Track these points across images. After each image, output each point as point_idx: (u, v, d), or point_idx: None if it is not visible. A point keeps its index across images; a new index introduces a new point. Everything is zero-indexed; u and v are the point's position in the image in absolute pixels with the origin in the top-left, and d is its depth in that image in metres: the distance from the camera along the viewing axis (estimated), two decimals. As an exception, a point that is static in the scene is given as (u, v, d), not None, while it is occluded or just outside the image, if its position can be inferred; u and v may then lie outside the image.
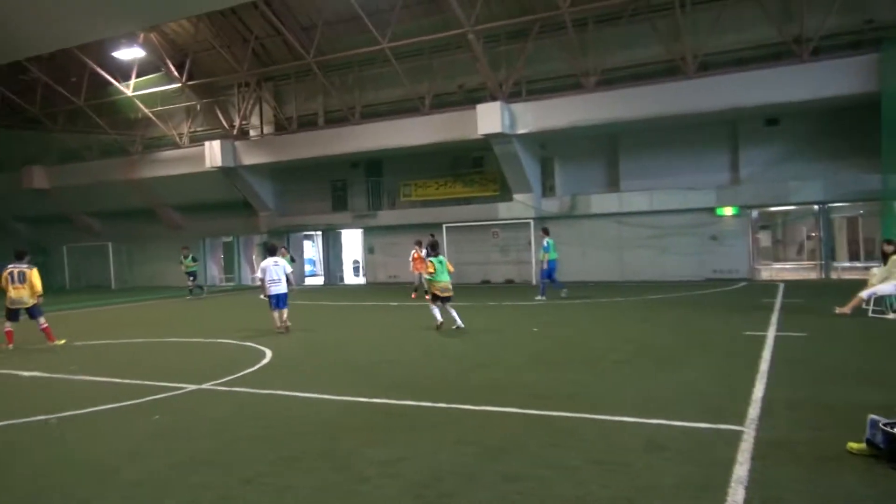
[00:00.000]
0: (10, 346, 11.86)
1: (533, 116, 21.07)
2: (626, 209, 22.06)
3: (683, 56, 19.39)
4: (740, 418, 5.67)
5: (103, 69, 26.13)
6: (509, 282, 24.31)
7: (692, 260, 21.38)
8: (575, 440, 5.33)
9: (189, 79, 26.20)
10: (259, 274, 12.98)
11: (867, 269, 14.66)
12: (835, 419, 5.56)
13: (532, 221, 23.02)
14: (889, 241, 11.80)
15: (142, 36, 24.80)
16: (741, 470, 4.48)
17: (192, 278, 22.92)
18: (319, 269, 33.68)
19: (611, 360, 8.72)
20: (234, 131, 27.20)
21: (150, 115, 27.84)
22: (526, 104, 21.30)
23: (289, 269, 13.01)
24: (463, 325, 11.66)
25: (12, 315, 11.98)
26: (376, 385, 7.64)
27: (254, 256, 29.87)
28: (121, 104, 27.91)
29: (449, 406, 6.55)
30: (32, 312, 12.03)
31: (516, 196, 23.00)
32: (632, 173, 22.19)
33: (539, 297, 16.84)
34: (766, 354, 8.48)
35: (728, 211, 20.90)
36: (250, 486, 4.63)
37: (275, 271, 12.65)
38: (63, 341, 12.34)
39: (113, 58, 25.67)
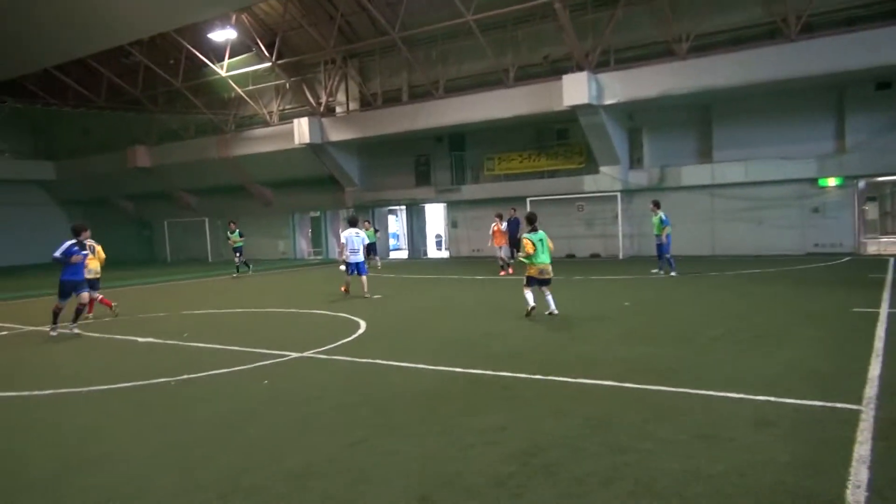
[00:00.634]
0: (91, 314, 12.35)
1: (621, 86, 20.47)
2: (719, 181, 21.20)
3: (785, 17, 18.28)
4: (856, 397, 5.40)
5: (198, 51, 27.25)
6: (595, 256, 23.94)
7: (792, 233, 20.37)
8: (677, 414, 5.24)
9: (278, 58, 26.95)
10: (343, 241, 14.46)
11: None
12: (964, 401, 5.22)
13: (619, 194, 22.52)
14: None
15: (234, 17, 25.63)
16: (862, 450, 4.28)
17: (238, 254, 21.81)
18: (403, 243, 34.30)
19: (708, 336, 8.48)
20: (321, 108, 27.84)
21: (242, 94, 28.89)
22: (614, 74, 20.71)
23: (366, 241, 14.63)
24: (557, 312, 10.46)
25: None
26: (471, 356, 7.74)
27: (340, 231, 30.67)
28: (215, 85, 29.08)
29: (545, 378, 6.57)
30: (96, 284, 12.42)
31: (603, 168, 22.52)
32: (726, 143, 21.27)
33: (672, 273, 15.85)
34: (881, 332, 8.01)
35: (832, 181, 19.72)
36: (357, 449, 4.82)
37: (355, 241, 14.21)
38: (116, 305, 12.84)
39: (207, 40, 26.73)
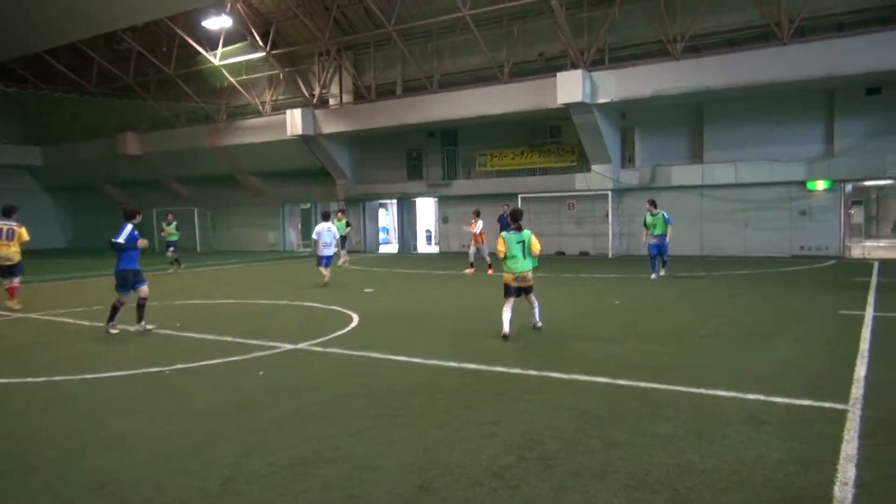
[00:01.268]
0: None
1: (615, 85, 20.56)
2: (709, 181, 21.39)
3: (778, 21, 18.44)
4: (843, 397, 5.54)
5: (192, 39, 27.05)
6: (584, 254, 24.09)
7: (778, 235, 20.60)
8: (671, 411, 5.34)
9: (272, 48, 26.80)
10: (314, 237, 15.67)
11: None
12: (947, 402, 5.36)
13: (610, 193, 22.66)
14: None
15: (229, 5, 25.45)
16: (849, 448, 4.41)
17: (171, 248, 20.33)
18: (393, 237, 34.30)
19: (699, 335, 8.60)
20: (315, 100, 27.73)
21: (235, 83, 28.72)
22: (608, 72, 20.80)
23: (337, 235, 15.80)
24: (542, 325, 9.01)
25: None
26: (465, 350, 7.81)
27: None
28: (207, 73, 28.85)
29: (540, 374, 6.65)
30: (14, 270, 12.08)
31: (594, 167, 22.64)
32: (716, 144, 21.46)
33: (662, 272, 15.65)
34: (866, 334, 8.18)
35: (820, 185, 19.95)
36: (357, 438, 4.88)
37: (326, 235, 15.34)
38: (19, 305, 12.23)
39: (201, 28, 26.51)
